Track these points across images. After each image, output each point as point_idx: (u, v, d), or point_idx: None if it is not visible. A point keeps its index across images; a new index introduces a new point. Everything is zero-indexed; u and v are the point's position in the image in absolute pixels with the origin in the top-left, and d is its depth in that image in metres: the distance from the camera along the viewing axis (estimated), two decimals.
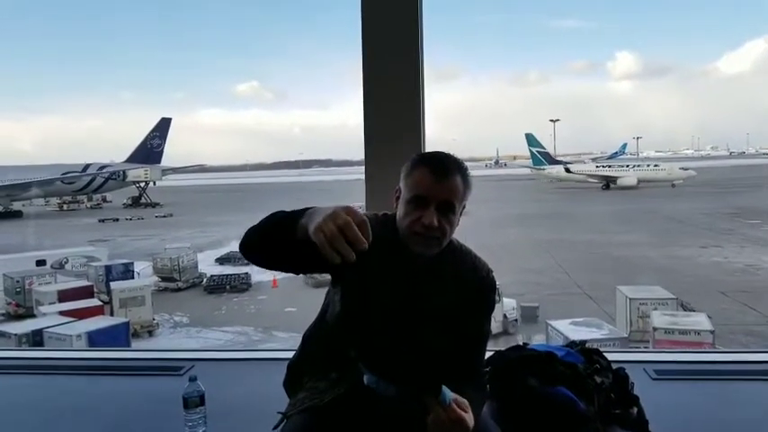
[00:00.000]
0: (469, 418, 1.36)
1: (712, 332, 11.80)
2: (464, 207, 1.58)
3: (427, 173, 1.52)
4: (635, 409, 1.96)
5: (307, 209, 1.40)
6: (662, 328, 12.09)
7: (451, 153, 1.60)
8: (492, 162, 65.10)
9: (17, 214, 33.33)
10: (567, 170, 37.63)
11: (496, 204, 33.30)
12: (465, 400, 1.38)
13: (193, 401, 1.91)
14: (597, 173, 37.37)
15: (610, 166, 38.82)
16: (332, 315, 1.57)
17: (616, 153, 48.36)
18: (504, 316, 17.05)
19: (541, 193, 38.71)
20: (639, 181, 35.11)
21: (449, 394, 1.36)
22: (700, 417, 2.02)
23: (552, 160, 40.24)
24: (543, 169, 39.80)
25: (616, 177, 35.92)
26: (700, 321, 12.35)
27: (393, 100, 2.43)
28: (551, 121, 46.33)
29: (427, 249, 1.51)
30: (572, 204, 32.57)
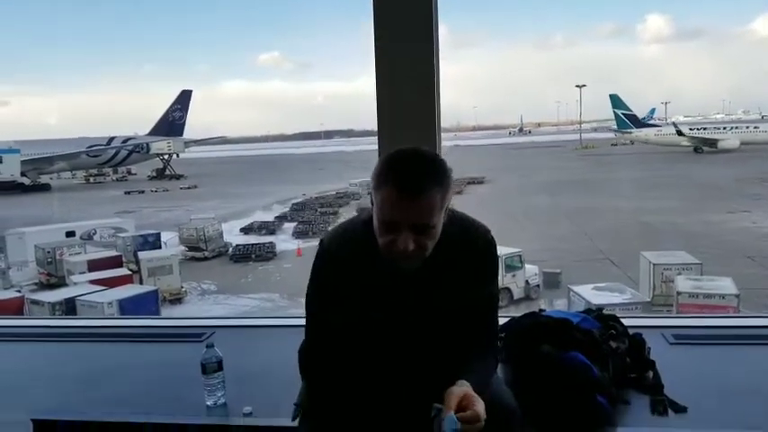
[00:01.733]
0: (478, 412, 1.29)
1: (737, 296, 11.63)
2: (450, 200, 1.43)
3: (395, 194, 1.32)
4: (651, 374, 1.96)
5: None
6: (686, 293, 11.97)
7: (424, 150, 1.41)
8: (516, 129, 64.19)
9: (45, 187, 33.99)
10: (680, 133, 35.49)
11: (521, 172, 32.99)
12: (465, 394, 1.32)
13: (211, 367, 1.96)
14: (696, 135, 35.53)
15: (705, 128, 36.78)
16: None
17: (644, 118, 47.20)
18: (527, 282, 17.05)
19: (566, 161, 38.16)
20: (741, 143, 33.21)
21: (451, 422, 1.26)
22: (717, 380, 2.00)
23: (640, 123, 38.41)
24: (630, 132, 38.04)
25: (716, 140, 34.15)
26: (725, 285, 12.19)
27: (406, 69, 2.37)
28: (577, 86, 45.24)
29: (410, 266, 1.41)
30: (597, 172, 32.08)
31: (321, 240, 1.53)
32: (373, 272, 1.45)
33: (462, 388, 1.32)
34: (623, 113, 37.58)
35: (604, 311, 2.08)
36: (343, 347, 1.49)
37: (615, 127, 38.98)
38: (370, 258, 1.43)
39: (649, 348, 2.05)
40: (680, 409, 1.79)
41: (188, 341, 2.57)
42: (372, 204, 1.41)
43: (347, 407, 1.46)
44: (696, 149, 34.68)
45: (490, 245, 1.52)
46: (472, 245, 1.49)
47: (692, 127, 38.46)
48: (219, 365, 1.97)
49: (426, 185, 1.33)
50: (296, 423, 1.62)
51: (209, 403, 1.97)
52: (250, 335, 2.70)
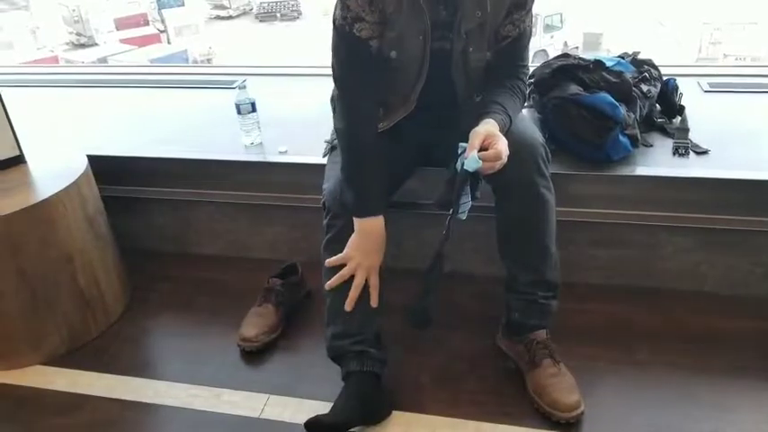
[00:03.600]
0: (499, 150, 1.31)
1: None
2: None
3: None
4: (678, 119, 1.97)
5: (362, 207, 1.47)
6: (732, 55, 11.38)
7: None
8: None
9: None
10: None
11: None
12: (489, 133, 1.32)
13: (245, 108, 2.02)
14: None
15: None
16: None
17: None
18: (565, 44, 16.33)
19: None
20: None
21: (473, 160, 1.28)
22: (746, 127, 1.99)
23: None
24: None
25: None
26: None
27: None
28: None
29: None
30: None
31: None
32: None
33: (486, 127, 1.35)
34: None
35: (640, 56, 2.02)
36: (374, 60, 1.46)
37: None
38: None
39: (681, 94, 2.03)
40: (701, 152, 1.83)
41: (221, 87, 2.63)
42: None
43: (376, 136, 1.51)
44: None
45: None
46: None
47: None
48: (253, 107, 2.04)
49: None
50: (326, 160, 1.72)
51: (246, 143, 2.09)
52: (282, 82, 2.74)
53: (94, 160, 1.92)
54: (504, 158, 1.32)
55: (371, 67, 1.46)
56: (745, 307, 1.79)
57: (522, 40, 1.50)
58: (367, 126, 1.49)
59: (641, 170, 1.78)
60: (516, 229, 1.53)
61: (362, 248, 1.47)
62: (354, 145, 1.49)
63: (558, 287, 1.59)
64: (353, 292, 1.46)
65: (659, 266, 1.89)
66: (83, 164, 1.86)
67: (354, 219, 1.46)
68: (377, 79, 1.48)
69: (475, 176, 1.34)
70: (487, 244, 1.61)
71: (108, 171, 2.00)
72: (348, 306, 1.46)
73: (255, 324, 1.79)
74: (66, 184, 1.75)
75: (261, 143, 2.10)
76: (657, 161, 1.82)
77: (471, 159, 1.29)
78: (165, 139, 2.23)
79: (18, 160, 1.87)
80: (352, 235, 1.47)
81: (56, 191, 1.71)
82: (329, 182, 1.56)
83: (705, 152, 1.83)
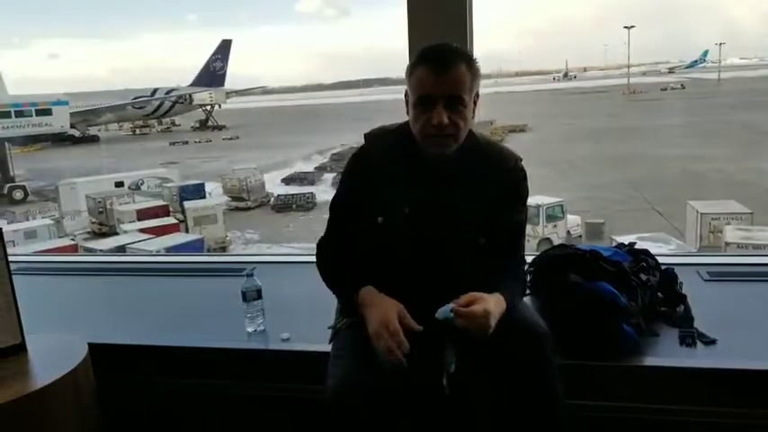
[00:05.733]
0: (483, 306, 1.38)
1: None
2: (477, 96, 1.54)
3: (428, 70, 1.47)
4: (681, 308, 1.96)
5: (356, 286, 1.58)
6: (734, 243, 11.66)
7: (454, 44, 1.54)
8: (561, 75, 62.07)
9: (94, 139, 34.96)
10: None
11: (565, 119, 32.15)
12: (471, 295, 1.40)
13: (251, 295, 2.06)
14: None
15: None
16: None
17: (696, 61, 44.95)
18: (568, 232, 16.87)
19: (613, 107, 36.96)
20: None
21: (445, 311, 1.38)
22: (749, 315, 1.98)
23: None
24: None
25: None
26: None
27: (438, 11, 2.34)
28: (626, 27, 43.67)
29: (444, 148, 1.50)
30: (645, 118, 30.96)
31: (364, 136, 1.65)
32: (406, 167, 1.55)
33: (480, 293, 1.41)
34: None
35: (636, 246, 2.08)
36: (361, 248, 1.61)
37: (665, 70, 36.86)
38: (404, 154, 1.55)
39: (681, 283, 2.05)
40: (709, 342, 1.80)
41: (230, 275, 2.69)
42: (407, 103, 1.54)
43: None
44: None
45: (522, 171, 1.59)
46: (504, 166, 1.58)
47: None
48: (259, 294, 2.07)
49: (455, 59, 1.47)
50: (330, 347, 1.70)
51: (249, 330, 2.08)
52: (289, 269, 2.81)
53: (95, 348, 1.91)
54: (485, 322, 1.35)
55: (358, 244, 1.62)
56: None
57: (516, 230, 1.59)
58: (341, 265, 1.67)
59: (650, 360, 1.74)
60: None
61: (378, 310, 1.47)
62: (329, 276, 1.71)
63: None
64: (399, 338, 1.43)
65: None
66: (82, 353, 1.84)
67: (359, 303, 1.53)
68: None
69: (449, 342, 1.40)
70: None
71: (107, 358, 1.97)
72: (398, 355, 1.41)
73: None
74: (61, 374, 1.71)
75: (264, 330, 2.09)
76: (665, 351, 1.78)
77: (444, 309, 1.36)
78: (170, 325, 2.24)
79: (19, 348, 1.86)
80: (365, 313, 1.50)
81: (48, 381, 1.68)
82: (335, 378, 1.50)
83: (713, 342, 1.80)
